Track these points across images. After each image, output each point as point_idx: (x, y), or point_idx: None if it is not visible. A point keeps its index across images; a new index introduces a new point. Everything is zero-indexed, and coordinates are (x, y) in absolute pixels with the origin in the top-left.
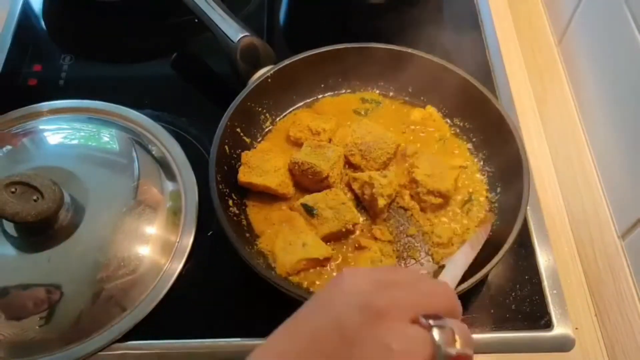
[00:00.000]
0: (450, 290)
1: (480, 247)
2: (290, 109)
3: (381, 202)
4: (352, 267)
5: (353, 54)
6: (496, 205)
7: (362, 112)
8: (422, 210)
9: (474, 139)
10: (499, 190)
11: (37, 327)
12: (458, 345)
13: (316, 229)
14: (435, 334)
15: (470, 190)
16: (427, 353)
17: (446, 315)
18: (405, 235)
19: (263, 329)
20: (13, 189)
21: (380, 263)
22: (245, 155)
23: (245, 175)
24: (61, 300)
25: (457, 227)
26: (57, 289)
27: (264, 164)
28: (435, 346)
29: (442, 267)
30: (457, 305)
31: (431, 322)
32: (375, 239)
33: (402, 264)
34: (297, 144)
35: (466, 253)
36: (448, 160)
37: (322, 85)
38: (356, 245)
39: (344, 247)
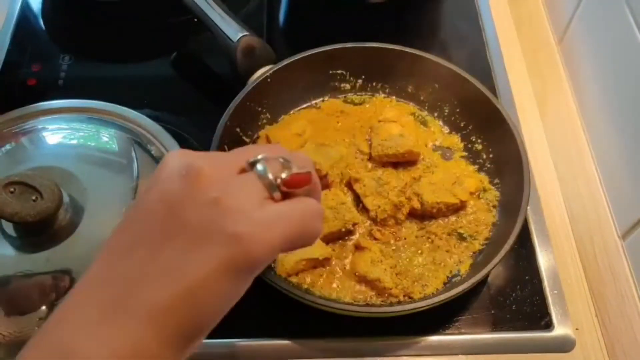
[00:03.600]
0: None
1: None
2: (291, 110)
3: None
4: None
5: (353, 53)
6: (496, 205)
7: None
8: (413, 213)
9: (473, 139)
10: (499, 190)
11: (36, 327)
12: (293, 168)
13: None
14: (258, 166)
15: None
16: (258, 191)
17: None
18: (405, 237)
19: (263, 329)
20: (12, 189)
21: (380, 264)
22: None
23: None
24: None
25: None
26: None
27: None
28: (263, 178)
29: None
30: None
31: (251, 160)
32: (375, 239)
33: (403, 265)
34: None
35: None
36: (461, 183)
37: (323, 85)
38: (356, 245)
39: (344, 247)
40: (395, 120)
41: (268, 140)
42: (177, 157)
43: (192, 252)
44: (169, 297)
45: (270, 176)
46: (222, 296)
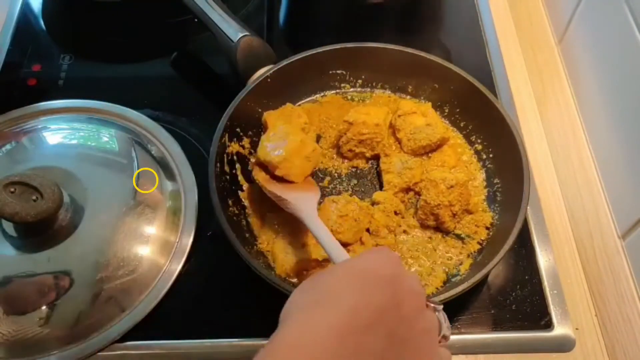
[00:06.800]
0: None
1: None
2: None
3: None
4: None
5: (353, 53)
6: (497, 205)
7: None
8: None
9: (473, 139)
10: (499, 190)
11: (36, 327)
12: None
13: None
14: (440, 315)
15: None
16: (436, 332)
17: None
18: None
19: (262, 329)
20: (12, 189)
21: None
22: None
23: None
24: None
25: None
26: None
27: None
28: (441, 326)
29: None
30: None
31: (435, 305)
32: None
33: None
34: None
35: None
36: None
37: (323, 85)
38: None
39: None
40: (414, 110)
41: (265, 125)
42: (386, 265)
43: None
44: None
45: (446, 330)
46: None
